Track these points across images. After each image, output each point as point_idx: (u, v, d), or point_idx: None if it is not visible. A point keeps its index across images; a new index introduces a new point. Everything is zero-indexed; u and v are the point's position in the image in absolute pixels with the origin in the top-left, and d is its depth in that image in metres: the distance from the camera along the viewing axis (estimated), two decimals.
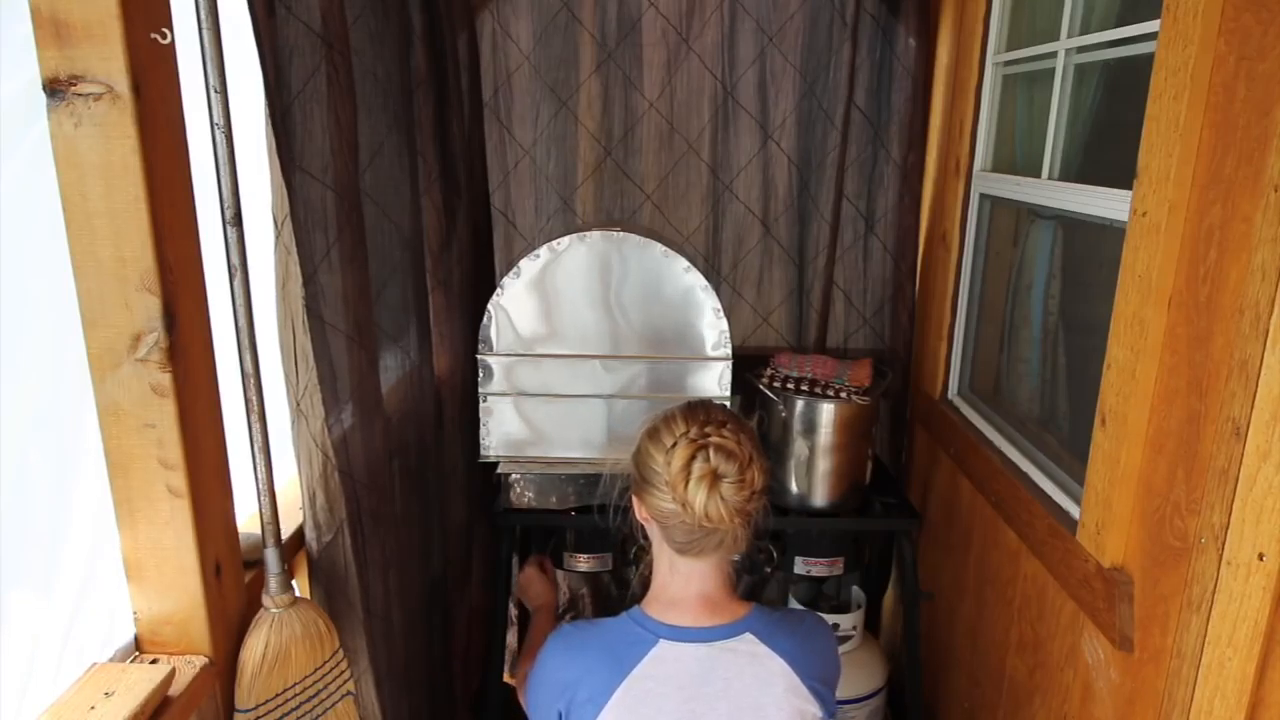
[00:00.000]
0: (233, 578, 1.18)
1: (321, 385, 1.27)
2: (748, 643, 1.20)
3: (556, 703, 1.22)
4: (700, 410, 1.22)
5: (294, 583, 1.25)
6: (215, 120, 1.05)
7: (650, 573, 1.30)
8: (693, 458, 1.15)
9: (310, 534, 1.34)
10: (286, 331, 1.26)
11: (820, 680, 1.22)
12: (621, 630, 1.23)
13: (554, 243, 1.88)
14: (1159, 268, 1.26)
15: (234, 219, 1.08)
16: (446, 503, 1.93)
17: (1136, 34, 1.46)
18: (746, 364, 2.05)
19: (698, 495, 1.13)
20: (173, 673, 1.06)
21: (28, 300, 0.99)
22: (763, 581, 2.64)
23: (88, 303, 1.00)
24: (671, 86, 2.38)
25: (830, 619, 2.15)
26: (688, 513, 1.14)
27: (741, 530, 1.19)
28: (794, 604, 2.29)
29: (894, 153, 2.38)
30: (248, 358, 1.13)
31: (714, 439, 1.16)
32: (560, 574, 2.69)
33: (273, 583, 1.21)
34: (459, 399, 2.00)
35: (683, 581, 1.23)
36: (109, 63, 0.92)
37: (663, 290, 1.91)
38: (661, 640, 1.19)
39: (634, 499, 1.25)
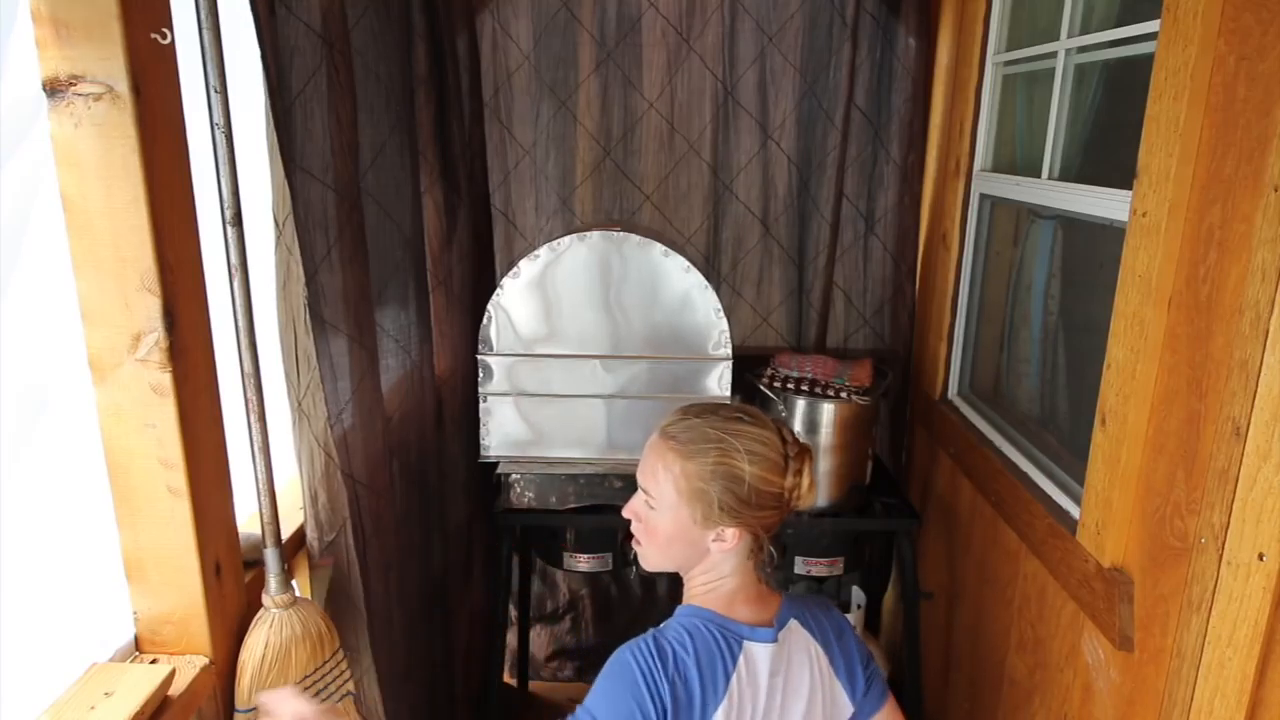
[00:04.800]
0: (233, 578, 1.18)
1: (323, 385, 1.27)
2: (793, 630, 1.21)
3: None
4: (737, 412, 1.21)
5: (294, 583, 1.25)
6: (215, 120, 1.05)
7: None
8: (804, 466, 1.18)
9: (312, 534, 1.34)
10: (288, 332, 1.26)
11: (843, 657, 1.24)
12: (704, 638, 1.17)
13: (554, 243, 1.88)
14: (1159, 268, 1.26)
15: (234, 219, 1.08)
16: (446, 503, 1.93)
17: (1136, 34, 1.46)
18: (746, 364, 2.05)
19: (810, 495, 1.18)
20: (173, 673, 1.06)
21: (27, 300, 0.99)
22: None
23: (88, 303, 1.00)
24: (671, 86, 2.38)
25: None
26: (789, 513, 1.18)
27: None
28: None
29: (894, 153, 2.38)
30: (248, 358, 1.13)
31: (801, 442, 1.20)
32: (560, 574, 2.70)
33: (273, 583, 1.21)
34: (459, 399, 2.00)
35: (730, 569, 1.21)
36: (109, 63, 0.92)
37: (662, 290, 1.91)
38: (745, 642, 1.18)
39: (717, 528, 1.17)
